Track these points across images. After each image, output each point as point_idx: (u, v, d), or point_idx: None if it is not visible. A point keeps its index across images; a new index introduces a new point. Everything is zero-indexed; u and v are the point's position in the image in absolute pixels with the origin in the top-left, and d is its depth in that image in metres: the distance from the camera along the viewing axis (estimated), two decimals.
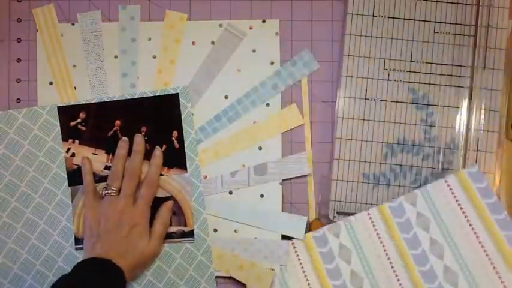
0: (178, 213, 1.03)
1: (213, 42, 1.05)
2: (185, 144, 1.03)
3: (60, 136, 1.03)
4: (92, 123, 1.04)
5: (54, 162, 1.04)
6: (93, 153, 1.03)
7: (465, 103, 1.02)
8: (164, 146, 1.03)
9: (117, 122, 1.03)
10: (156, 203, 1.02)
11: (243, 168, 1.04)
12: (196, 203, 1.02)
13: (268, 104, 1.04)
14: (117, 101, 1.03)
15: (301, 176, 1.04)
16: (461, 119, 1.02)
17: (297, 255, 1.01)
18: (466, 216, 0.97)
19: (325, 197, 1.03)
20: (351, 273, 0.99)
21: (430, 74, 1.03)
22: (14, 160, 1.04)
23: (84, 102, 1.03)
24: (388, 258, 0.99)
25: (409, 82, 1.03)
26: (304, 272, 1.00)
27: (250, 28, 1.04)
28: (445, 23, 1.03)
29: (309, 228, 1.04)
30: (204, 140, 1.04)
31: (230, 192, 1.04)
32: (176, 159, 1.03)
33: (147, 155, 1.02)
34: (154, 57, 1.04)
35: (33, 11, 1.05)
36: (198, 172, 1.03)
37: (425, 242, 0.98)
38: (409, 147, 1.03)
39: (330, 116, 1.05)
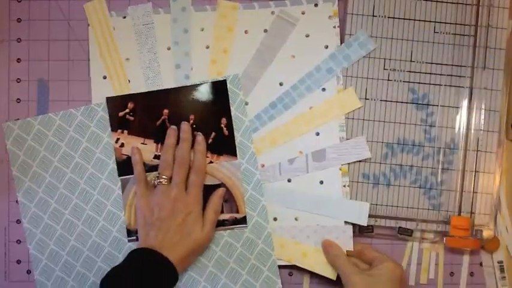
0: (229, 200, 1.03)
1: (265, 30, 1.04)
2: (239, 133, 1.03)
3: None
4: (140, 113, 1.03)
5: (110, 158, 1.03)
6: (142, 143, 1.03)
7: (465, 103, 1.04)
8: (213, 134, 1.03)
9: (165, 111, 1.02)
10: (207, 191, 1.01)
11: (300, 155, 1.04)
12: (254, 190, 1.02)
13: (324, 89, 1.04)
14: (164, 90, 1.02)
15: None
16: (461, 119, 1.04)
17: None
18: None
19: None
20: None
21: (430, 74, 1.04)
22: (74, 157, 1.03)
23: (132, 92, 1.02)
24: None
25: (409, 82, 1.04)
26: None
27: (303, 13, 1.04)
28: (445, 23, 1.04)
29: None
30: (261, 128, 1.04)
31: (289, 180, 1.04)
32: (226, 146, 1.03)
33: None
34: (207, 47, 1.04)
35: (85, 6, 1.03)
36: (254, 159, 1.03)
37: None
38: (409, 147, 1.04)
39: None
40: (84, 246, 1.03)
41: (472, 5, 1.04)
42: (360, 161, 1.03)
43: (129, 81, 1.03)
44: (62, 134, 1.03)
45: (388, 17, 1.04)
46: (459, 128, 1.04)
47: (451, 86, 1.04)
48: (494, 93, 1.04)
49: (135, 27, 1.03)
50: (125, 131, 1.03)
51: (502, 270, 1.05)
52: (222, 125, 1.03)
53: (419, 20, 1.04)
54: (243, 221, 1.03)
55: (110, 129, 1.02)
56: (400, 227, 1.03)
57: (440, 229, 1.03)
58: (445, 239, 1.02)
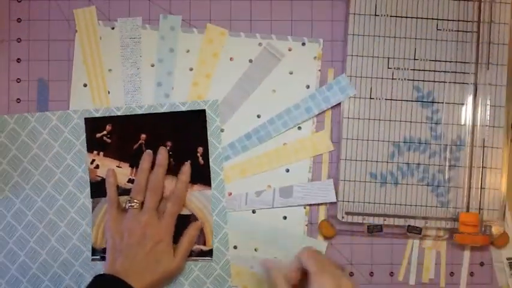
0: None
1: (250, 60, 1.04)
2: (211, 159, 1.03)
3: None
4: (118, 136, 1.03)
5: (80, 166, 1.04)
6: (117, 166, 1.03)
7: (470, 99, 1.03)
8: (189, 162, 1.03)
9: (143, 136, 1.03)
10: (179, 220, 1.01)
11: (268, 189, 1.04)
12: (218, 217, 1.03)
13: (300, 128, 1.04)
14: (143, 114, 1.03)
15: None
16: (466, 116, 1.03)
17: None
18: None
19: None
20: None
21: (434, 71, 1.03)
22: (44, 160, 1.04)
23: (110, 114, 1.03)
24: None
25: (413, 80, 1.03)
26: None
27: (289, 50, 1.04)
28: (448, 20, 1.03)
29: (319, 229, 1.04)
30: (233, 156, 1.04)
31: (253, 211, 1.04)
32: (200, 175, 1.03)
33: (171, 170, 1.02)
34: (191, 69, 1.04)
35: (74, 12, 1.05)
36: (223, 187, 1.03)
37: None
38: (415, 145, 1.03)
39: (336, 117, 1.05)
40: (42, 250, 1.05)
41: (474, 1, 1.03)
42: (366, 161, 1.03)
43: (108, 92, 1.03)
44: (35, 136, 1.04)
45: (391, 16, 1.03)
46: (465, 125, 1.03)
47: (455, 82, 1.03)
48: (499, 88, 1.03)
49: (122, 40, 1.04)
50: (101, 153, 1.03)
51: (511, 266, 1.05)
52: (198, 154, 1.03)
53: (422, 18, 1.03)
54: (209, 253, 1.03)
55: (83, 137, 1.03)
56: (409, 225, 1.03)
57: (449, 226, 1.03)
58: (454, 235, 1.02)
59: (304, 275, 0.90)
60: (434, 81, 1.03)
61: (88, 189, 1.04)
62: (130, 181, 1.03)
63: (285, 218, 1.04)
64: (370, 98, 1.03)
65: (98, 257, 1.03)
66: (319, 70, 1.04)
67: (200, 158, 1.03)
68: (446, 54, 1.03)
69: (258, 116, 1.04)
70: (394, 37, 1.03)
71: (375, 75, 1.03)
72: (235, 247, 1.04)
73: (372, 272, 1.05)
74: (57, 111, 1.04)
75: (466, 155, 1.02)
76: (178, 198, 1.00)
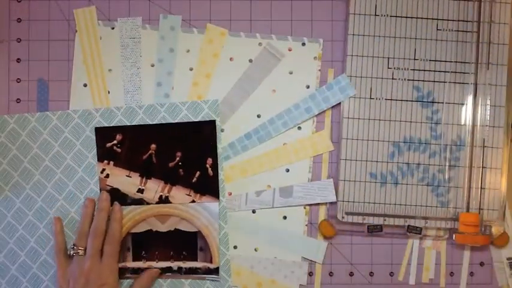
0: (204, 249, 1.03)
1: (250, 60, 1.04)
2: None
3: (89, 141, 1.04)
4: (128, 146, 1.03)
5: (80, 166, 1.04)
6: (127, 176, 1.03)
7: (470, 99, 1.03)
8: (198, 173, 1.03)
9: (153, 146, 1.03)
10: (185, 237, 1.03)
11: (268, 189, 1.04)
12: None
13: (300, 128, 1.04)
14: (154, 124, 1.03)
15: None
16: (466, 116, 1.03)
17: None
18: None
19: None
20: None
21: (434, 71, 1.03)
22: (44, 160, 1.04)
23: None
24: None
25: (413, 80, 1.03)
26: None
27: (289, 50, 1.04)
28: (448, 20, 1.03)
29: (319, 229, 1.04)
30: (233, 156, 1.04)
31: (253, 211, 1.04)
32: (209, 186, 1.03)
33: (181, 181, 1.03)
34: (191, 69, 1.04)
35: (75, 12, 1.05)
36: (223, 187, 1.03)
37: None
38: (415, 145, 1.03)
39: (336, 116, 1.05)
40: (42, 250, 1.05)
41: (474, 1, 1.03)
42: (366, 161, 1.03)
43: (108, 92, 1.03)
44: (35, 136, 1.04)
45: (391, 16, 1.03)
46: (465, 125, 1.03)
47: (455, 82, 1.03)
48: (499, 88, 1.03)
49: (122, 40, 1.04)
50: (111, 162, 1.04)
51: (511, 266, 1.05)
52: (207, 165, 1.03)
53: (422, 18, 1.03)
54: (215, 271, 1.03)
55: (83, 137, 1.03)
56: (409, 225, 1.03)
57: (449, 226, 1.03)
58: (454, 235, 1.02)
59: None
60: (434, 81, 1.03)
61: (88, 189, 1.04)
62: (140, 191, 1.03)
63: (285, 218, 1.04)
64: (370, 98, 1.03)
65: None
66: (319, 70, 1.04)
67: (209, 169, 1.03)
68: (446, 54, 1.03)
69: (258, 116, 1.04)
70: (394, 37, 1.03)
71: (375, 75, 1.03)
72: (235, 247, 1.04)
73: (371, 272, 1.05)
74: (57, 111, 1.04)
75: (466, 155, 1.02)
76: (113, 237, 0.98)
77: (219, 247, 1.03)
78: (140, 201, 1.03)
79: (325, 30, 1.04)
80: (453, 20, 1.03)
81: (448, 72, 1.03)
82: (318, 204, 1.04)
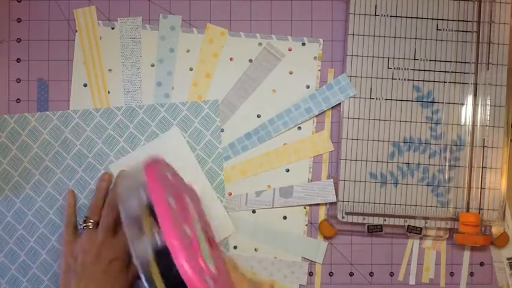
0: None
1: (250, 60, 1.04)
2: (210, 158, 1.04)
3: (89, 141, 1.04)
4: None
5: (80, 166, 1.04)
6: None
7: (470, 99, 1.03)
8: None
9: None
10: None
11: (268, 189, 1.04)
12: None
13: (300, 128, 1.04)
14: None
15: None
16: (466, 116, 1.03)
17: None
18: None
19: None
20: None
21: (434, 71, 1.03)
22: (44, 160, 1.04)
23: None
24: None
25: (413, 80, 1.03)
26: None
27: (289, 50, 1.04)
28: (448, 20, 1.03)
29: (318, 229, 1.05)
30: (233, 156, 1.04)
31: (253, 211, 1.04)
32: None
33: None
34: (191, 69, 1.04)
35: (74, 12, 1.05)
36: (222, 187, 1.04)
37: None
38: (415, 146, 1.03)
39: (335, 116, 1.05)
40: (42, 249, 1.05)
41: (474, 1, 1.03)
42: (366, 161, 1.03)
43: (108, 92, 1.03)
44: (35, 136, 1.04)
45: (391, 16, 1.03)
46: (465, 125, 1.03)
47: (455, 83, 1.03)
48: (499, 88, 1.03)
49: (122, 40, 1.04)
50: None
51: (511, 266, 1.05)
52: None
53: (422, 18, 1.03)
54: None
55: (83, 137, 1.04)
56: (409, 225, 1.03)
57: (449, 226, 1.03)
58: (454, 235, 1.02)
59: None
60: (434, 81, 1.03)
61: (88, 189, 1.04)
62: None
63: (285, 218, 1.04)
64: (370, 98, 1.03)
65: None
66: (319, 70, 1.04)
67: None
68: (446, 54, 1.03)
69: (258, 116, 1.04)
70: (394, 37, 1.03)
71: (375, 75, 1.03)
72: (235, 247, 1.04)
73: (372, 272, 1.05)
74: (57, 111, 1.04)
75: (466, 155, 1.02)
76: (110, 207, 0.95)
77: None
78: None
79: (325, 30, 1.04)
80: (453, 20, 1.03)
81: (448, 72, 1.03)
82: (318, 204, 1.04)
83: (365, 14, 1.03)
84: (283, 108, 1.04)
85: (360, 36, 1.03)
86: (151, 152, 0.99)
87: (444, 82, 1.03)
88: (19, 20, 1.06)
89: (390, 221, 1.03)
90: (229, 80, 1.05)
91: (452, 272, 1.05)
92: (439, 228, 1.04)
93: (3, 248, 1.04)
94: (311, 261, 1.05)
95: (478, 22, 1.03)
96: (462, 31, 1.03)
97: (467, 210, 1.02)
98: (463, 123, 1.03)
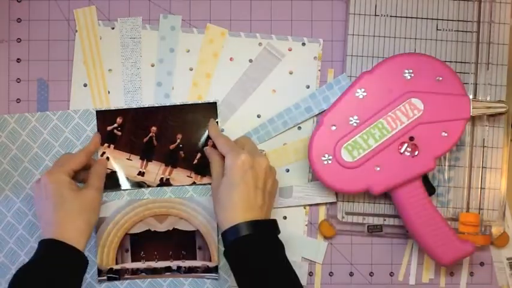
0: (203, 247, 1.04)
1: (250, 60, 1.04)
2: None
3: (89, 141, 1.03)
4: (128, 129, 1.04)
5: None
6: (127, 159, 1.04)
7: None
8: (199, 154, 1.03)
9: (153, 129, 1.03)
10: (183, 236, 1.04)
11: None
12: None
13: (300, 128, 1.04)
14: (154, 107, 1.03)
15: None
16: None
17: None
18: None
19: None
20: None
21: None
22: (45, 160, 1.04)
23: (121, 107, 1.03)
24: None
25: None
26: None
27: (289, 50, 1.04)
28: (448, 20, 1.03)
29: (319, 229, 1.05)
30: None
31: None
32: (210, 168, 1.01)
33: (182, 163, 1.04)
34: (191, 69, 1.04)
35: (75, 12, 1.05)
36: None
37: None
38: None
39: None
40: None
41: (474, 1, 1.03)
42: None
43: (108, 92, 1.03)
44: (35, 136, 1.04)
45: (391, 16, 1.03)
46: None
47: None
48: (498, 88, 1.03)
49: (122, 40, 1.04)
50: (111, 145, 1.04)
51: (511, 266, 1.05)
52: (208, 147, 1.03)
53: (422, 18, 1.03)
54: (214, 270, 1.04)
55: (83, 137, 1.04)
56: None
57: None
58: None
59: None
60: None
61: None
62: (141, 174, 1.03)
63: (285, 218, 1.04)
64: None
65: (104, 277, 1.04)
66: (319, 70, 1.04)
67: None
68: (446, 54, 1.03)
69: (258, 116, 1.04)
70: (394, 37, 1.03)
71: None
72: None
73: (372, 272, 1.05)
74: (57, 111, 1.04)
75: (466, 155, 1.02)
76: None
77: (218, 246, 1.03)
78: (141, 184, 1.03)
79: (325, 30, 1.04)
80: (453, 20, 1.03)
81: None
82: (317, 204, 1.03)
83: (365, 14, 1.03)
84: (283, 108, 1.04)
85: (360, 36, 1.03)
86: None
87: None
88: (19, 20, 1.06)
89: (390, 221, 1.03)
90: (229, 80, 1.05)
91: (452, 272, 1.05)
92: None
93: (3, 248, 1.04)
94: (311, 261, 1.04)
95: (478, 22, 1.03)
96: (462, 31, 1.03)
97: (467, 210, 1.02)
98: None
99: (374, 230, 1.02)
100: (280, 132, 1.04)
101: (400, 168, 0.95)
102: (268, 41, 1.04)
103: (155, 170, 1.03)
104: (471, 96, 1.01)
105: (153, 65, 1.04)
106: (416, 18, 1.03)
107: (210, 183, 1.01)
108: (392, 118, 0.95)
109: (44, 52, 1.05)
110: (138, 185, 1.03)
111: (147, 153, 1.03)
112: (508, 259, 1.04)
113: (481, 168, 1.02)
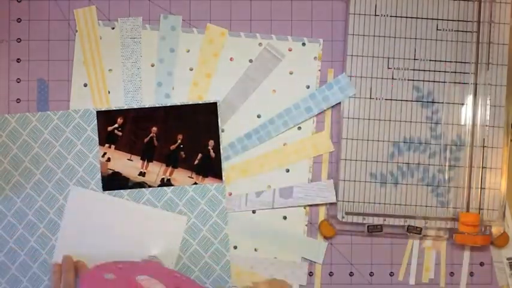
0: None
1: (250, 60, 1.04)
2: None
3: (89, 141, 1.03)
4: (129, 129, 1.04)
5: (81, 166, 1.04)
6: (128, 159, 1.04)
7: (470, 99, 1.03)
8: (200, 155, 1.03)
9: (154, 129, 1.03)
10: None
11: (268, 190, 1.04)
12: (219, 217, 1.03)
13: (300, 128, 1.04)
14: (154, 107, 1.03)
15: None
16: (466, 116, 1.03)
17: None
18: None
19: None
20: None
21: (434, 71, 1.03)
22: (45, 160, 1.04)
23: (122, 108, 1.03)
24: None
25: (413, 80, 1.03)
26: None
27: (290, 50, 1.04)
28: (448, 20, 1.03)
29: (319, 229, 1.04)
30: (233, 156, 1.04)
31: (253, 211, 1.04)
32: (211, 168, 1.03)
33: (183, 163, 1.03)
34: (191, 69, 1.04)
35: (75, 12, 1.05)
36: (223, 187, 1.04)
37: None
38: (415, 145, 1.03)
39: (336, 116, 1.05)
40: (43, 249, 1.05)
41: (474, 1, 1.03)
42: (366, 161, 1.03)
43: (109, 92, 1.03)
44: (36, 135, 1.04)
45: (391, 16, 1.03)
46: (465, 125, 1.03)
47: (455, 83, 1.03)
48: (498, 88, 1.03)
49: (122, 40, 1.04)
50: (112, 146, 1.04)
51: (511, 266, 1.05)
52: (209, 147, 1.03)
53: (422, 18, 1.04)
54: None
55: (84, 137, 1.03)
56: (409, 225, 1.03)
57: (449, 226, 1.03)
58: (454, 235, 1.02)
59: None
60: (434, 81, 1.03)
61: (89, 189, 1.04)
62: (142, 174, 1.03)
63: (285, 218, 1.04)
64: (370, 98, 1.03)
65: None
66: (319, 70, 1.04)
67: (211, 151, 1.03)
68: (446, 54, 1.03)
69: (258, 116, 1.04)
70: (394, 37, 1.03)
71: (375, 75, 1.03)
72: (235, 247, 1.04)
73: (372, 272, 1.05)
74: (58, 111, 1.04)
75: (466, 155, 1.02)
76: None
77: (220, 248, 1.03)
78: (142, 185, 1.03)
79: (325, 30, 1.04)
80: (453, 20, 1.03)
81: (448, 72, 1.03)
82: (317, 204, 1.03)
83: (365, 14, 1.03)
84: (283, 108, 1.04)
85: (360, 36, 1.03)
86: None
87: (444, 82, 1.03)
88: (19, 20, 1.06)
89: (390, 221, 1.03)
90: (229, 80, 1.05)
91: (452, 272, 1.05)
92: (439, 228, 1.04)
93: (4, 248, 1.04)
94: (311, 261, 1.04)
95: (478, 22, 1.03)
96: (462, 31, 1.03)
97: (467, 210, 1.02)
98: (463, 123, 1.03)
99: (374, 230, 1.02)
100: (281, 132, 1.03)
101: None
102: (268, 41, 1.04)
103: (156, 171, 1.03)
104: (471, 97, 1.01)
105: (153, 65, 1.04)
106: (416, 18, 1.03)
107: (210, 184, 1.01)
108: None
109: (44, 52, 1.05)
110: (139, 185, 1.02)
111: (147, 154, 1.03)
112: (508, 259, 1.04)
113: (481, 168, 1.02)
